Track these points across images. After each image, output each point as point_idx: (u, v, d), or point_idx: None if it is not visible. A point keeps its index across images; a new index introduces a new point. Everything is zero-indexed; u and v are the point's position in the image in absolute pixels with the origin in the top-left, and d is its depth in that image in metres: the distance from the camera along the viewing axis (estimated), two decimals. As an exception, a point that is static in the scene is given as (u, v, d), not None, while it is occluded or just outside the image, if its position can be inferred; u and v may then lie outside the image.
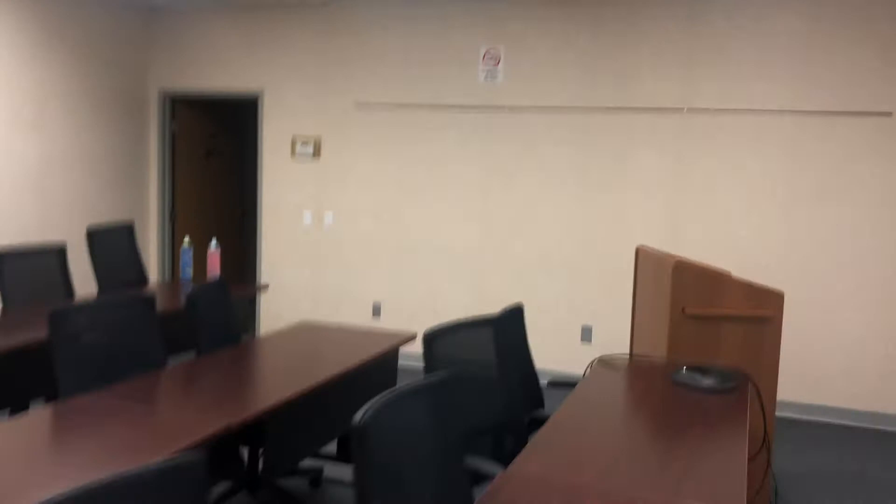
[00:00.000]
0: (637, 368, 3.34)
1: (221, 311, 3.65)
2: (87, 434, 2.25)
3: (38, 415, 2.41)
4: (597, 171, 5.60)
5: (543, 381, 3.45)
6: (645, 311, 4.04)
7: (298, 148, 6.43)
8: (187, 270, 5.10)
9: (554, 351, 5.76)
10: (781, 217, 5.21)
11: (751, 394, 3.26)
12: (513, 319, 3.26)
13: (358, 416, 1.58)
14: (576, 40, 5.59)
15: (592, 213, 5.64)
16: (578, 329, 5.74)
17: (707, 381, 3.02)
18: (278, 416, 2.80)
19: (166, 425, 2.35)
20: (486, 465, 2.25)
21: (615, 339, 5.62)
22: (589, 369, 3.29)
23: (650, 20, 5.40)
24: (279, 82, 6.44)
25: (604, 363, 3.39)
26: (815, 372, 5.19)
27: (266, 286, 5.13)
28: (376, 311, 6.28)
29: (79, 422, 2.35)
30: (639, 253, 4.21)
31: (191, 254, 5.10)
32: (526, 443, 3.06)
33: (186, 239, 5.16)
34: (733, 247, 5.31)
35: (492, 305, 5.88)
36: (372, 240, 6.25)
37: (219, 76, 6.63)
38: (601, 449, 2.29)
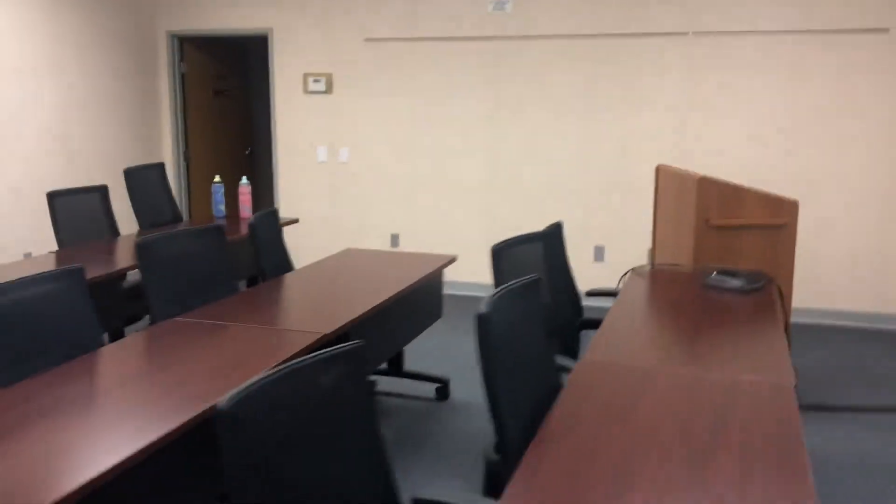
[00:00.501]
0: (668, 275, 3.64)
1: (277, 240, 3.89)
2: (195, 351, 2.52)
3: (141, 337, 2.66)
4: (604, 97, 5.82)
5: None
6: (667, 225, 4.33)
7: (311, 85, 6.57)
8: (219, 208, 5.30)
9: (568, 271, 6.08)
10: (785, 134, 5.48)
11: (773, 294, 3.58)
12: (555, 236, 3.53)
13: (481, 307, 1.85)
14: (582, -32, 5.74)
15: (601, 138, 5.88)
16: (591, 249, 6.04)
17: (736, 283, 3.33)
18: (357, 329, 3.08)
19: (260, 342, 2.62)
20: (561, 359, 2.54)
21: (627, 256, 5.94)
22: (624, 278, 3.59)
23: (655, -54, 5.55)
24: (288, 21, 6.54)
25: (637, 273, 3.69)
26: (820, 277, 5.55)
27: (296, 220, 5.36)
28: (394, 241, 6.53)
29: (179, 341, 2.61)
30: (659, 171, 4.48)
31: (222, 191, 5.29)
32: (578, 342, 3.38)
33: (217, 178, 5.36)
34: (740, 164, 5.59)
35: (505, 233, 6.16)
36: (386, 173, 6.46)
37: (227, 16, 6.70)
38: (656, 340, 2.60)
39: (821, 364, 4.77)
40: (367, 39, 6.35)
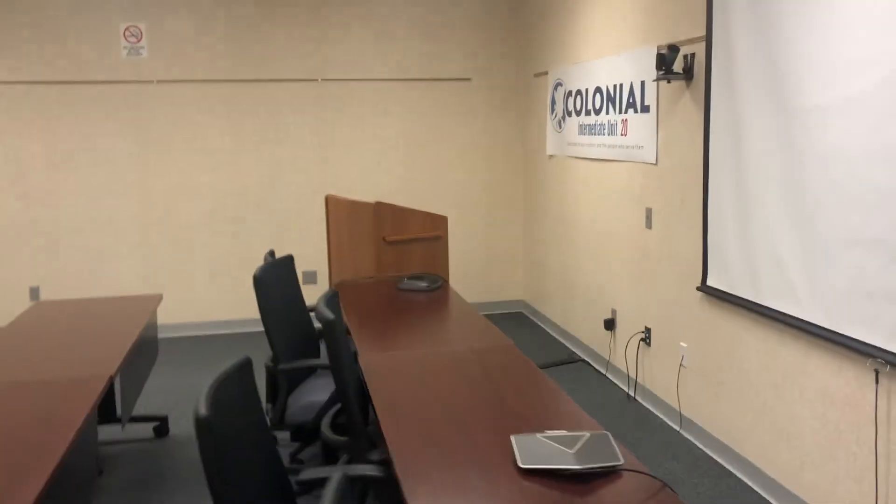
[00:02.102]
0: (367, 286, 4.35)
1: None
2: None
3: None
4: (250, 135, 6.32)
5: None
6: (344, 245, 5.03)
7: None
8: None
9: (230, 301, 6.42)
10: (404, 160, 6.60)
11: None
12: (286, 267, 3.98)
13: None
14: (216, 21, 6.16)
15: (251, 173, 6.36)
16: (250, 279, 6.46)
17: (423, 284, 4.18)
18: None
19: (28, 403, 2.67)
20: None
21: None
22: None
23: (287, 6, 6.23)
24: None
25: (346, 284, 4.33)
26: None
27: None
28: (34, 295, 6.15)
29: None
30: (329, 200, 5.16)
31: None
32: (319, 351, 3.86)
33: None
34: (373, 186, 6.55)
35: (164, 270, 6.26)
36: (22, 222, 6.05)
37: None
38: (403, 332, 3.29)
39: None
40: (-20, 82, 5.89)
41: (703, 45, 3.75)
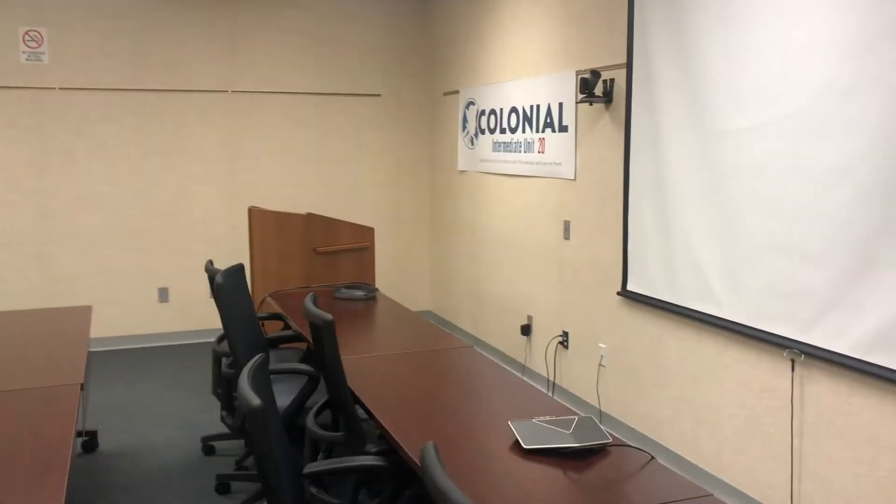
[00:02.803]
0: (301, 295, 4.42)
1: None
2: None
3: None
4: (157, 145, 6.20)
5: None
6: (269, 257, 5.06)
7: None
8: None
9: (134, 315, 6.24)
10: (312, 173, 6.67)
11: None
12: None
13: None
14: (122, 29, 6.02)
15: (157, 184, 6.23)
16: (156, 291, 6.32)
17: (360, 293, 4.31)
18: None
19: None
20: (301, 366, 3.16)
21: (193, 294, 6.39)
22: (265, 301, 4.25)
23: (196, 17, 6.18)
24: None
25: (275, 297, 4.38)
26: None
27: None
28: (-83, 311, 5.74)
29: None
30: (252, 212, 5.17)
31: None
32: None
33: None
34: (285, 197, 6.57)
35: (61, 282, 6.02)
36: None
37: None
38: (347, 337, 3.42)
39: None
40: None
41: (622, 71, 4.13)
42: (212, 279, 3.46)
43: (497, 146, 5.60)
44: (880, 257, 2.69)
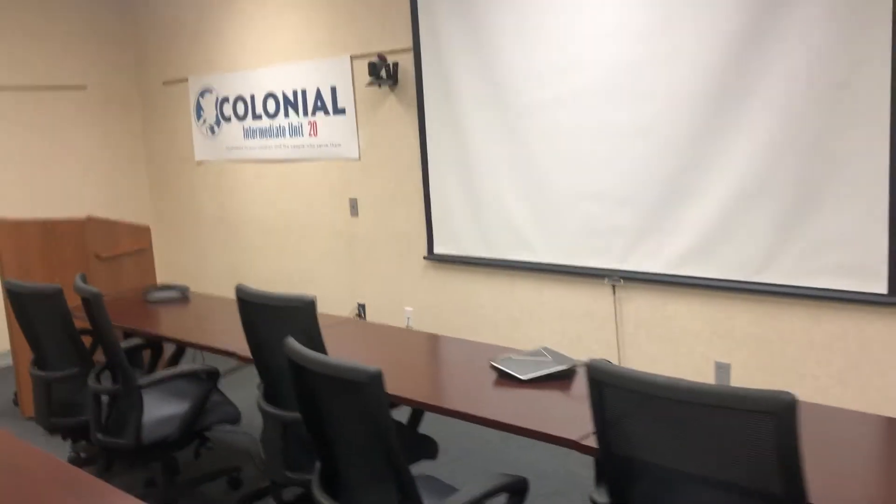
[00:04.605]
0: (109, 303, 4.03)
1: None
2: None
3: None
4: None
5: None
6: (36, 270, 4.45)
7: None
8: None
9: None
10: (17, 178, 5.87)
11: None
12: None
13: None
14: None
15: None
16: None
17: (174, 294, 4.09)
18: None
19: None
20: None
21: None
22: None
23: None
24: None
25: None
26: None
27: None
28: None
29: None
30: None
31: None
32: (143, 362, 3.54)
33: None
34: (42, 200, 5.68)
35: None
36: None
37: None
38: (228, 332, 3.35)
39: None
40: None
41: (409, 55, 4.50)
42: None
43: (251, 132, 5.57)
44: (680, 194, 3.52)
